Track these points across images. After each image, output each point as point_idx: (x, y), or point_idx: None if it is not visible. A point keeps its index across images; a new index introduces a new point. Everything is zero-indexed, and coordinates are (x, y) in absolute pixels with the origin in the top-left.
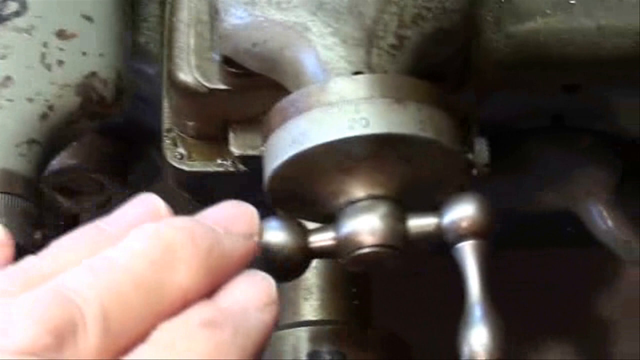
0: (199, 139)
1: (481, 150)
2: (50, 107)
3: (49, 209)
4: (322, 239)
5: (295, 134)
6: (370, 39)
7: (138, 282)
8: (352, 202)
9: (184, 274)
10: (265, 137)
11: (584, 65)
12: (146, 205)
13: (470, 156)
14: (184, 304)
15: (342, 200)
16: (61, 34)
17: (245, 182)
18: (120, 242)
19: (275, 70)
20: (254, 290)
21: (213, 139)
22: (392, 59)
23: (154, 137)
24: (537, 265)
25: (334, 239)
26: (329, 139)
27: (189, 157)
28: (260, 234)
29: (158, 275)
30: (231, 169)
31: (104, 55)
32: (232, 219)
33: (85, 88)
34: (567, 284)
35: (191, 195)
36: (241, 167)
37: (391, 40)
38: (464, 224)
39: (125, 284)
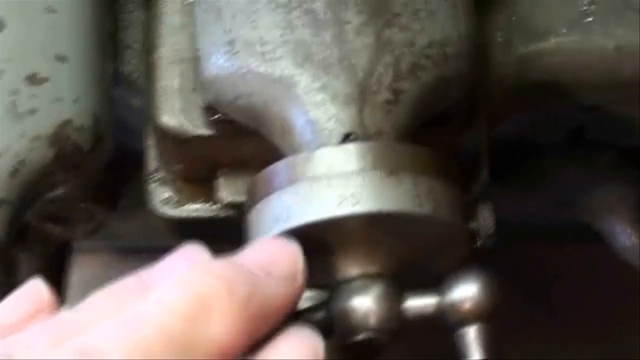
0: (187, 181)
1: (486, 218)
2: (21, 162)
3: (39, 234)
4: (312, 319)
5: (279, 210)
6: (362, 95)
7: (169, 339)
8: (344, 282)
9: (220, 328)
10: (247, 207)
11: (602, 89)
12: (189, 257)
13: (474, 225)
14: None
15: (335, 278)
16: (33, 79)
17: (239, 228)
18: (153, 293)
19: (261, 125)
20: (300, 350)
21: (203, 180)
22: (387, 117)
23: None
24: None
25: (325, 319)
26: (314, 218)
27: (176, 201)
28: (305, 274)
29: (191, 331)
30: (222, 215)
31: (80, 100)
32: (274, 260)
33: (59, 138)
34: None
35: (180, 238)
36: (232, 212)
37: (386, 95)
38: (467, 306)
39: (155, 341)
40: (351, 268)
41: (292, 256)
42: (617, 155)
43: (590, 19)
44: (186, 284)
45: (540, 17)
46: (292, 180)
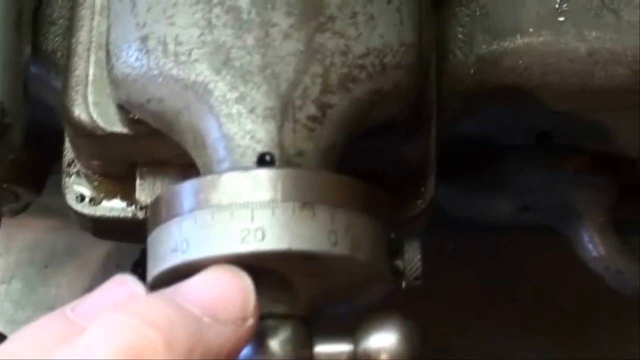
0: (105, 176)
1: (412, 257)
2: None
3: None
4: None
5: (177, 239)
6: (284, 109)
7: None
8: None
9: None
10: (148, 228)
11: (571, 95)
12: (123, 294)
13: (399, 263)
14: None
15: None
16: None
17: None
18: (81, 342)
19: (173, 132)
20: None
21: (121, 177)
22: (310, 136)
23: None
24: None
25: None
26: (215, 253)
27: (92, 200)
28: (257, 311)
29: None
30: (140, 217)
31: None
32: (222, 299)
33: None
34: None
35: (96, 235)
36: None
37: (311, 110)
38: (383, 358)
39: None
40: None
41: (243, 294)
42: (588, 160)
43: (562, 18)
44: (118, 335)
45: (507, 13)
46: (195, 207)
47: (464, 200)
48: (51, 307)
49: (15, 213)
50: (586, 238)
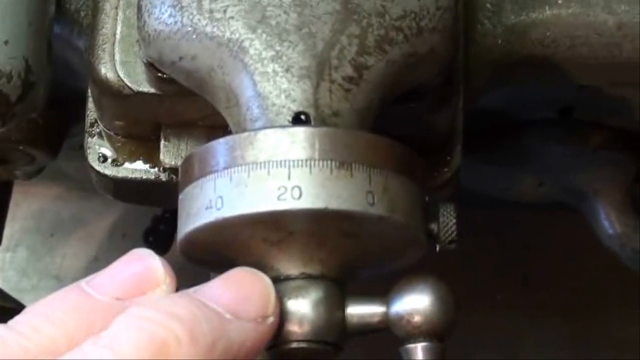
0: (128, 137)
1: (447, 222)
2: None
3: None
4: None
5: (212, 196)
6: (320, 69)
7: None
8: (282, 280)
9: None
10: (180, 186)
11: (598, 68)
12: (140, 268)
13: (434, 227)
14: None
15: (270, 275)
16: None
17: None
18: (105, 335)
19: (205, 91)
20: None
21: (145, 138)
22: (347, 96)
23: None
24: None
25: None
26: (250, 211)
27: (115, 160)
28: (277, 309)
29: None
30: (163, 179)
31: (9, 43)
32: (243, 297)
33: None
34: None
35: (116, 198)
36: (174, 177)
37: (347, 71)
38: (416, 320)
39: None
40: (290, 267)
41: (263, 293)
42: (609, 136)
43: None
44: (143, 328)
45: None
46: (230, 164)
47: (482, 174)
48: (56, 276)
49: (29, 176)
50: (603, 215)
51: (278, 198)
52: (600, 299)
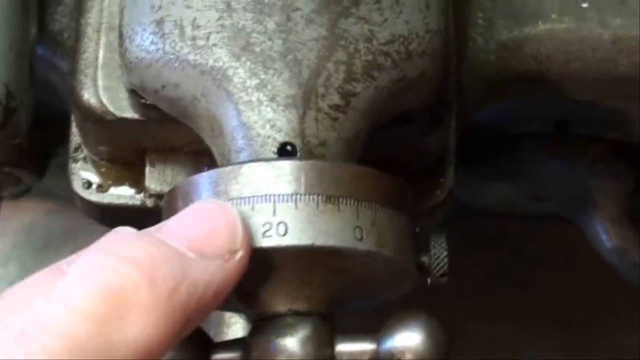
0: (113, 162)
1: (439, 254)
2: None
3: None
4: (225, 357)
5: None
6: (306, 97)
7: (75, 348)
8: (268, 317)
9: (138, 328)
10: (163, 220)
11: (593, 83)
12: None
13: (425, 259)
14: None
15: (256, 312)
16: None
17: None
18: (59, 286)
19: (189, 119)
20: None
21: (129, 164)
22: (333, 125)
23: None
24: None
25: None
26: None
27: (100, 186)
28: (246, 243)
29: (102, 335)
30: (149, 205)
31: None
32: (207, 232)
33: None
34: None
35: (102, 223)
36: (160, 203)
37: (334, 99)
38: (407, 358)
39: (57, 351)
40: (277, 303)
41: (229, 226)
42: (605, 149)
43: (585, 4)
44: (97, 276)
45: None
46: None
47: (478, 188)
48: None
49: (16, 197)
50: (601, 229)
51: (263, 235)
52: (600, 306)
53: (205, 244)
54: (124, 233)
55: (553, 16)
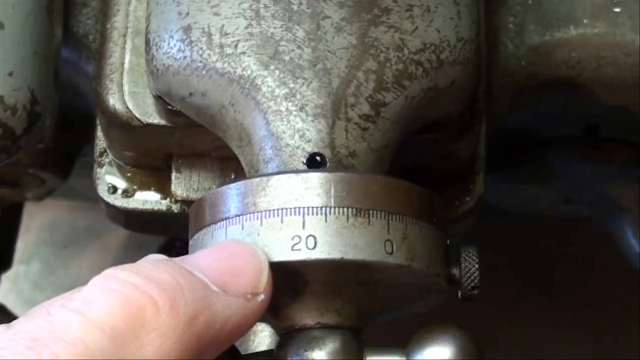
0: (139, 167)
1: (470, 267)
2: None
3: None
4: None
5: None
6: (336, 107)
7: None
8: (297, 330)
9: (153, 349)
10: (191, 231)
11: (626, 89)
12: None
13: (455, 271)
14: None
15: (285, 324)
16: None
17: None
18: (77, 297)
19: (216, 128)
20: None
21: (155, 168)
22: (363, 136)
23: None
24: None
25: None
26: None
27: (125, 191)
28: (270, 287)
29: (116, 351)
30: (175, 211)
31: (13, 74)
32: (234, 269)
33: None
34: None
35: (127, 228)
36: (186, 208)
37: (364, 108)
38: None
39: None
40: (305, 316)
41: (256, 268)
42: (635, 152)
43: (618, 9)
44: (117, 291)
45: (560, 2)
46: (242, 211)
47: (508, 191)
48: (70, 289)
49: (40, 198)
50: (630, 234)
51: (292, 248)
52: (626, 312)
53: (230, 281)
54: (152, 258)
55: (585, 21)
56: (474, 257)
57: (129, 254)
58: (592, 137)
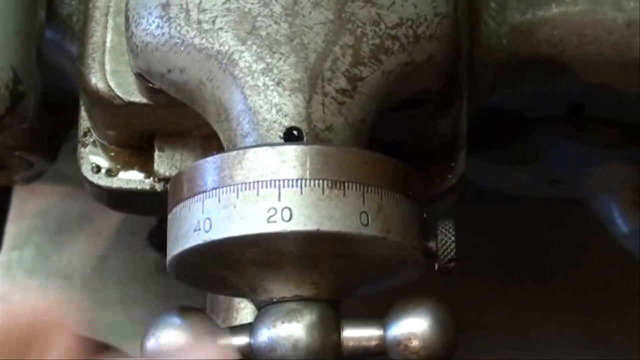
0: (122, 146)
1: (446, 239)
2: None
3: None
4: (234, 342)
5: (200, 218)
6: (313, 82)
7: None
8: (274, 302)
9: None
10: (169, 205)
11: (608, 68)
12: None
13: (432, 245)
14: None
15: (262, 297)
16: None
17: None
18: None
19: (196, 104)
20: None
21: (138, 148)
22: (340, 110)
23: None
24: None
25: (249, 346)
26: (239, 233)
27: (109, 171)
28: None
29: None
30: (158, 189)
31: None
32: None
33: None
34: None
35: (111, 208)
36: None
37: (341, 83)
38: (414, 345)
39: None
40: (282, 289)
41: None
42: (621, 132)
43: None
44: None
45: None
46: (218, 184)
47: (492, 172)
48: (64, 275)
49: (28, 181)
50: (616, 213)
51: (268, 220)
52: (620, 296)
53: None
54: None
55: None
56: (451, 230)
57: (121, 240)
58: (576, 117)
